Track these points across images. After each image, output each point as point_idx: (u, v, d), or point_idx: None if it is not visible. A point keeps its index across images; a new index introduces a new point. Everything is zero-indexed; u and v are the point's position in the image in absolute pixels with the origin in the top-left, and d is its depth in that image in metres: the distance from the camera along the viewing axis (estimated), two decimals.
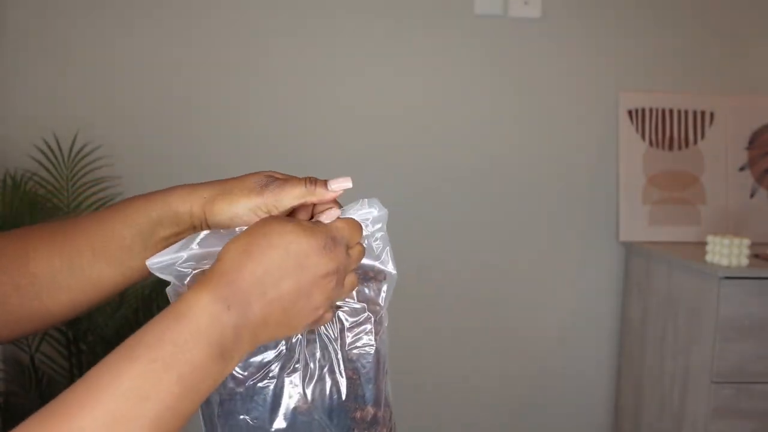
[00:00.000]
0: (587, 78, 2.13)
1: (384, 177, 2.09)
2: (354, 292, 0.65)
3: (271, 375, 0.62)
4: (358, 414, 0.64)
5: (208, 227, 0.64)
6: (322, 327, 0.64)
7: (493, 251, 2.15)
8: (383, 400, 0.66)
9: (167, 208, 0.64)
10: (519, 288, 2.18)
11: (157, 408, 0.50)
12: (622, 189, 2.11)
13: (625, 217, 2.11)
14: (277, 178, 0.64)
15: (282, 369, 0.62)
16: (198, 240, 0.60)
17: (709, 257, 1.75)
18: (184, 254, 0.60)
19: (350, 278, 0.62)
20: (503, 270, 2.16)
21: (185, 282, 0.60)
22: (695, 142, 2.14)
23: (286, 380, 0.62)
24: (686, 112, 2.14)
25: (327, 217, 0.63)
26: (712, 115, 2.14)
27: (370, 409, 0.65)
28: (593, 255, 2.18)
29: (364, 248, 0.64)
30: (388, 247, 0.67)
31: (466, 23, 2.07)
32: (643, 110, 2.13)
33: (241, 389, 0.62)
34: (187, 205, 0.63)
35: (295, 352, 0.63)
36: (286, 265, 0.57)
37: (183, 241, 0.60)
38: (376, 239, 0.66)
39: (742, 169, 2.15)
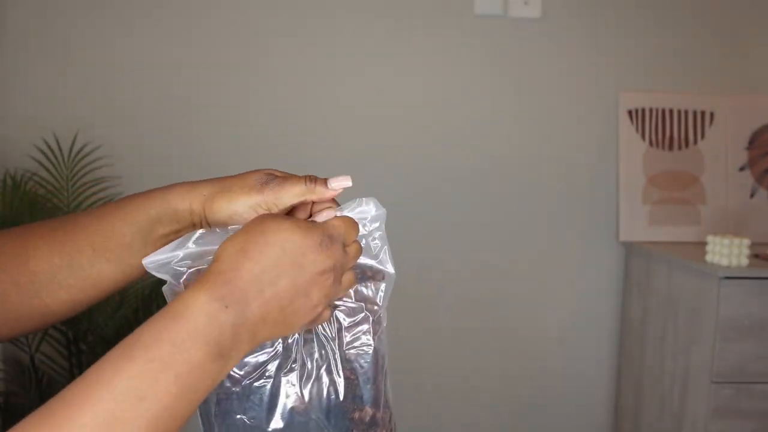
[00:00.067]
0: (587, 78, 2.13)
1: (384, 177, 2.08)
2: (351, 292, 0.65)
3: (267, 374, 0.62)
4: (356, 414, 0.64)
5: (208, 225, 0.64)
6: (320, 326, 0.64)
7: (493, 251, 2.15)
8: (382, 401, 0.66)
9: (166, 205, 0.64)
10: (519, 288, 2.18)
11: (154, 408, 0.50)
12: (622, 189, 2.11)
13: (625, 217, 2.11)
14: (277, 176, 0.64)
15: (279, 368, 0.62)
16: (194, 238, 0.60)
17: (709, 257, 1.75)
18: (180, 253, 0.60)
19: (348, 276, 0.62)
20: (503, 270, 2.16)
21: (181, 280, 0.60)
22: (695, 142, 2.14)
23: (283, 380, 0.62)
24: (686, 112, 2.14)
25: (322, 217, 0.62)
26: (712, 115, 2.14)
27: (369, 410, 0.65)
28: (593, 255, 2.18)
29: (361, 246, 0.64)
30: (386, 247, 0.66)
31: (466, 23, 2.07)
32: (643, 110, 2.13)
33: (237, 389, 0.61)
34: (186, 202, 0.63)
35: (292, 352, 0.63)
36: (283, 263, 0.57)
37: (179, 239, 0.61)
38: (374, 238, 0.66)
39: (742, 169, 2.14)
